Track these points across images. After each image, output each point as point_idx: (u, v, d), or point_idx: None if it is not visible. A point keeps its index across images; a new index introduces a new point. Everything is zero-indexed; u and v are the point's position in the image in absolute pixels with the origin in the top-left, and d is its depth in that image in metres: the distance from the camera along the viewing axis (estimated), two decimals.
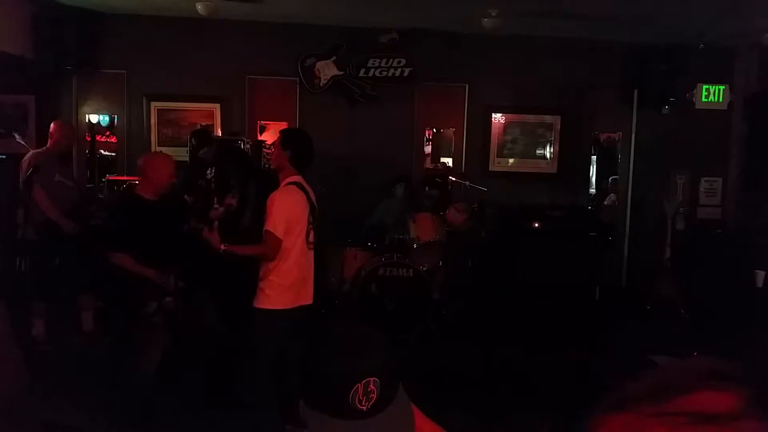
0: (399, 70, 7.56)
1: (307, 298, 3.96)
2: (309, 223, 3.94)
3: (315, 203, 4.06)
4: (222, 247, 3.77)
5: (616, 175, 8.46)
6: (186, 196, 5.64)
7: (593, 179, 9.03)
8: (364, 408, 1.23)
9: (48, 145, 5.66)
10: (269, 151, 7.20)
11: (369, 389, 1.23)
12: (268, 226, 3.71)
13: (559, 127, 7.97)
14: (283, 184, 3.89)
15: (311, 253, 4.00)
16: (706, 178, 8.07)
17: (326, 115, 7.53)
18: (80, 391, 4.55)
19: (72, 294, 5.65)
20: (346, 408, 1.22)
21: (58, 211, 5.32)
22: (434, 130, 8.98)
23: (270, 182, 6.01)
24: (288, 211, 3.78)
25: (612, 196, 8.76)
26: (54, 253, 5.36)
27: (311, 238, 3.97)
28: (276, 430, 3.86)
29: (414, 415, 1.37)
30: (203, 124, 7.48)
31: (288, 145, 3.89)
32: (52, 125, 5.72)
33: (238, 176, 5.94)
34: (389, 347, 1.34)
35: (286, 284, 3.80)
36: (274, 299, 3.78)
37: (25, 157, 5.45)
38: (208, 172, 6.37)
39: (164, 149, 7.45)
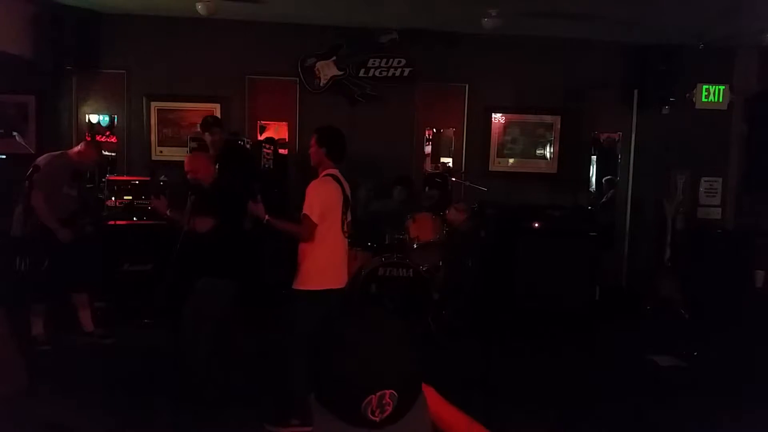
0: (399, 70, 7.57)
1: (340, 282, 4.26)
2: (342, 213, 4.25)
3: (349, 196, 4.37)
4: (266, 217, 4.08)
5: (615, 175, 8.46)
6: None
7: (593, 179, 9.03)
8: (377, 419, 1.15)
9: (72, 153, 5.59)
10: (269, 151, 7.23)
11: (384, 401, 1.15)
12: (305, 210, 4.04)
13: (559, 127, 7.97)
14: (321, 174, 4.23)
15: (345, 241, 4.32)
16: (706, 178, 8.07)
17: (326, 115, 7.47)
18: (80, 390, 4.56)
19: (67, 294, 5.64)
20: (356, 416, 1.15)
21: (55, 219, 5.28)
22: (434, 130, 8.98)
23: (271, 183, 6.02)
24: (323, 198, 4.10)
25: (608, 194, 8.77)
26: (48, 254, 5.34)
27: (345, 227, 4.29)
28: (305, 412, 3.99)
29: (429, 421, 1.29)
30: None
31: (324, 142, 4.25)
32: (82, 144, 5.66)
33: (240, 176, 5.93)
34: (417, 355, 1.22)
35: (320, 267, 4.12)
36: (309, 281, 4.10)
37: (40, 158, 5.39)
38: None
39: (164, 149, 7.49)
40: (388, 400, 1.15)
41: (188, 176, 4.55)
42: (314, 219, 4.04)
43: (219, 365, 4.46)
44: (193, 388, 4.27)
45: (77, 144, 5.99)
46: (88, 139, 5.97)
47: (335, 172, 4.26)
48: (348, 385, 1.15)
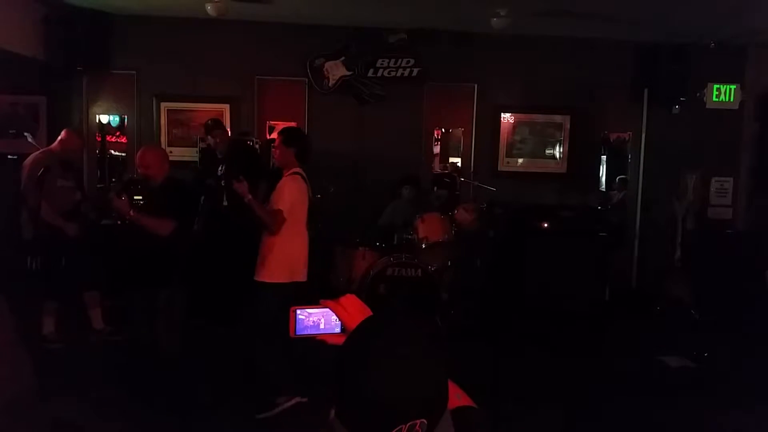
0: (408, 70, 7.57)
1: (303, 276, 4.42)
2: (308, 210, 4.47)
3: (311, 194, 4.58)
4: (249, 196, 4.20)
5: (625, 174, 8.42)
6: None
7: (603, 179, 8.99)
8: None
9: (54, 147, 5.61)
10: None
11: (414, 430, 1.08)
12: (278, 205, 4.24)
13: (568, 126, 7.95)
14: (288, 173, 4.39)
15: (306, 236, 4.50)
16: (716, 178, 8.02)
17: (335, 116, 7.55)
18: (90, 389, 4.59)
19: (80, 292, 5.68)
20: None
21: (60, 217, 5.32)
22: (443, 130, 8.98)
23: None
24: (295, 195, 4.32)
25: (619, 194, 8.72)
26: (60, 254, 5.38)
27: (306, 222, 4.49)
28: (287, 388, 4.34)
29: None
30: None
31: (292, 143, 4.40)
32: (63, 132, 5.67)
33: (248, 175, 5.95)
34: (447, 376, 1.16)
35: (287, 261, 4.32)
36: (276, 274, 4.28)
37: (31, 158, 5.42)
38: (219, 169, 6.39)
39: (174, 149, 7.50)
40: (418, 429, 1.08)
41: (139, 171, 4.43)
42: (285, 215, 4.23)
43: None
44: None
45: (88, 144, 6.01)
46: (66, 131, 5.90)
47: (301, 171, 4.43)
48: (381, 412, 1.07)
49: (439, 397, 1.13)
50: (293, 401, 4.32)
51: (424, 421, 1.08)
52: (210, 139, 6.35)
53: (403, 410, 1.07)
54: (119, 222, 6.28)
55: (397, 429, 1.06)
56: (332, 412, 1.13)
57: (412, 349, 1.13)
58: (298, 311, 1.52)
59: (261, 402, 4.34)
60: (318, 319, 1.52)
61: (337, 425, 1.11)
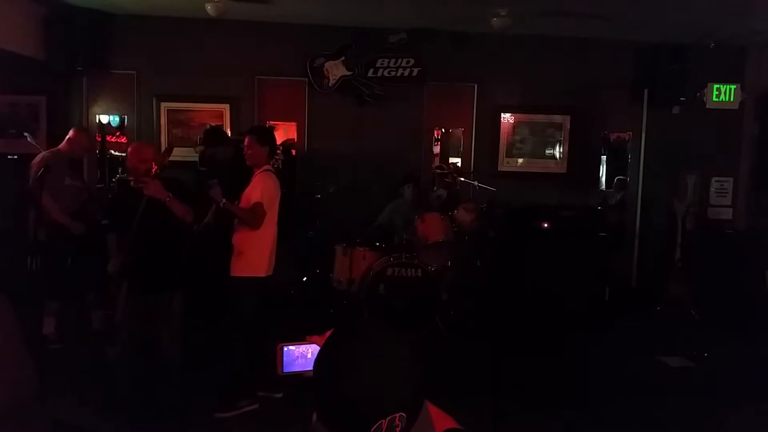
0: (408, 70, 7.56)
1: (270, 270, 4.55)
2: (279, 206, 4.58)
3: (281, 191, 4.66)
4: (223, 200, 4.28)
5: (625, 175, 8.41)
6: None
7: (603, 179, 8.98)
8: None
9: (62, 147, 5.64)
10: (278, 150, 7.22)
11: (394, 424, 1.12)
12: (259, 199, 4.35)
13: (568, 126, 7.94)
14: (261, 170, 4.51)
15: (276, 231, 4.61)
16: (716, 178, 8.02)
17: (335, 116, 7.55)
18: (89, 389, 4.59)
19: (82, 293, 5.68)
20: None
21: (66, 214, 5.34)
22: (443, 130, 8.96)
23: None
24: (271, 190, 4.47)
25: (618, 194, 8.71)
26: (65, 254, 5.38)
27: (276, 218, 4.60)
28: (251, 392, 4.43)
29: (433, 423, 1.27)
30: (212, 125, 7.49)
31: (265, 142, 4.55)
32: (71, 131, 5.70)
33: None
34: (421, 369, 1.18)
35: (265, 255, 4.46)
36: (251, 268, 4.41)
37: (36, 159, 5.45)
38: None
39: (174, 149, 7.46)
40: (398, 422, 1.12)
41: (142, 165, 4.22)
42: (265, 209, 4.36)
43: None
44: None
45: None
46: (75, 130, 5.85)
47: (272, 168, 4.60)
48: (359, 411, 1.11)
49: (414, 391, 1.17)
50: (253, 406, 4.37)
51: (403, 414, 1.12)
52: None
53: (380, 407, 1.11)
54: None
55: (377, 424, 1.10)
56: (314, 416, 1.16)
57: (380, 348, 1.18)
58: (285, 348, 1.51)
59: (223, 401, 4.35)
60: (306, 351, 1.52)
61: (320, 428, 1.15)
